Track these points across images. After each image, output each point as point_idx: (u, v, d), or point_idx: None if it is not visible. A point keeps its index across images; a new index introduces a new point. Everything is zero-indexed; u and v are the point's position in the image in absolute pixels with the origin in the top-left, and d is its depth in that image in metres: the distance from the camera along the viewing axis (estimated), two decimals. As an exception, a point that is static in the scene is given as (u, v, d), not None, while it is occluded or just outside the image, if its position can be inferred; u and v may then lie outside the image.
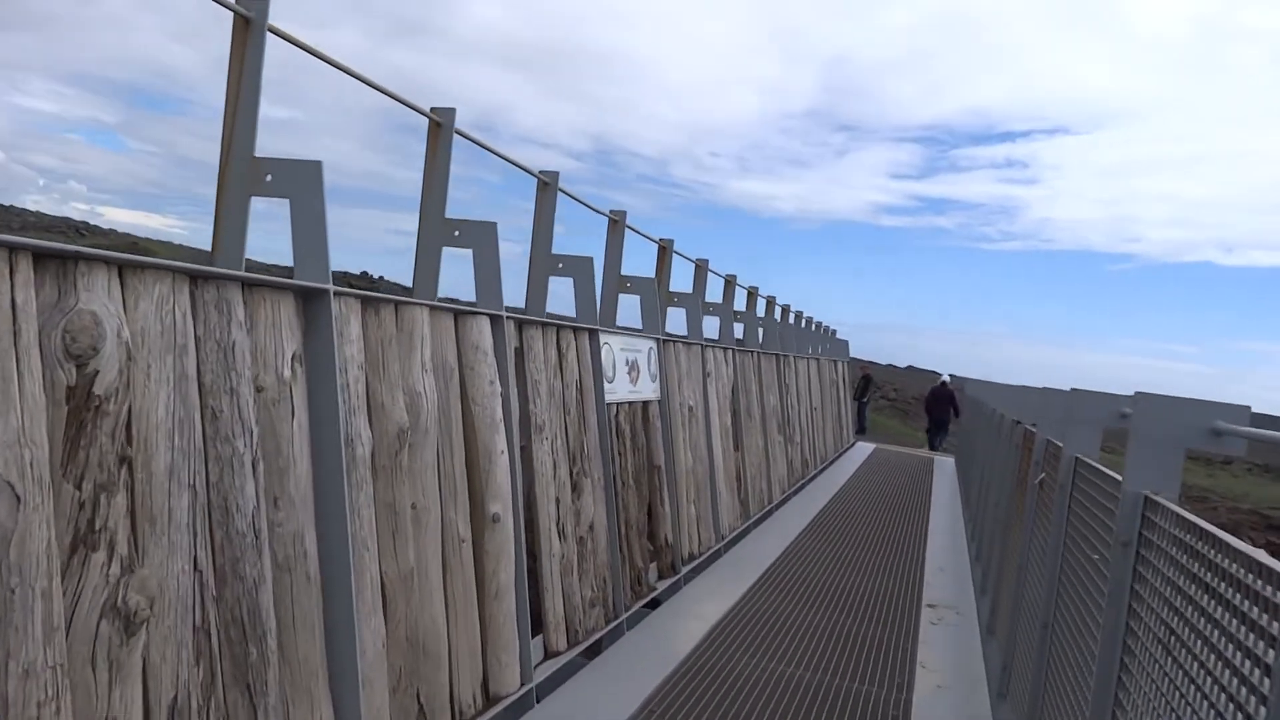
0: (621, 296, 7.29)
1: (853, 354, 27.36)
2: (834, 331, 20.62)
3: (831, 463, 17.13)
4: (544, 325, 5.42)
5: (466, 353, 4.44)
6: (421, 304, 4.08)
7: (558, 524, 5.35)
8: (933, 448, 23.87)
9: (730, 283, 11.33)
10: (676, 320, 8.76)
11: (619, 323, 7.19)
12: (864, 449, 21.18)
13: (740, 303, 11.96)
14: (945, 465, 19.86)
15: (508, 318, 4.80)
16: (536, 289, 5.87)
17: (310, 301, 3.36)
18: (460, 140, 4.68)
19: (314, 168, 3.47)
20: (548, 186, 5.78)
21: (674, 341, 7.94)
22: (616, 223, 7.12)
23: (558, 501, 5.37)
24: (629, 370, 6.65)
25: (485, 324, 4.58)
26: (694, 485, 8.14)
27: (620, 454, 6.42)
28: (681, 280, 9.82)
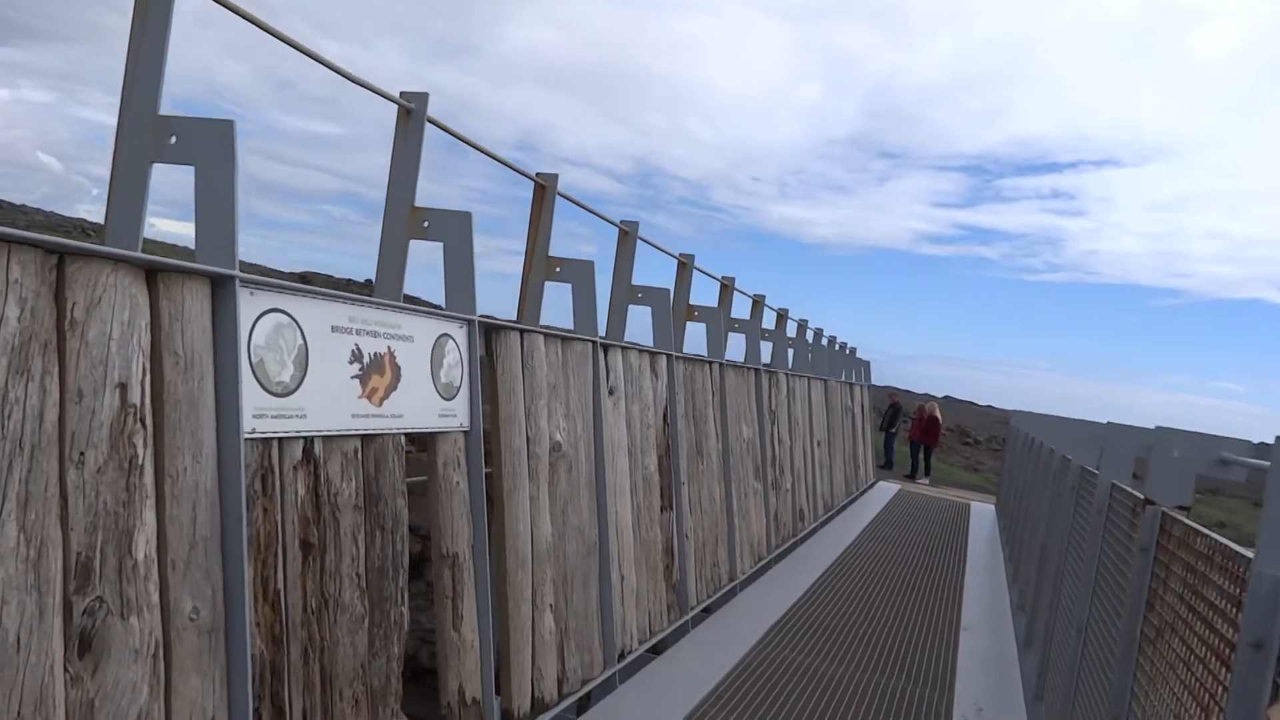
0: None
1: (889, 382, 24.04)
2: (853, 350, 17.14)
3: (841, 510, 13.64)
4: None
5: None
6: None
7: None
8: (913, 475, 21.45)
9: (686, 265, 7.98)
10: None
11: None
12: (886, 490, 17.64)
13: (703, 296, 8.62)
14: (983, 514, 16.25)
15: None
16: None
17: None
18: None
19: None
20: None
21: (521, 331, 4.60)
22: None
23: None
24: (362, 371, 3.33)
25: None
26: (560, 580, 4.78)
27: (311, 543, 3.09)
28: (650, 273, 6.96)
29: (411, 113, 4.06)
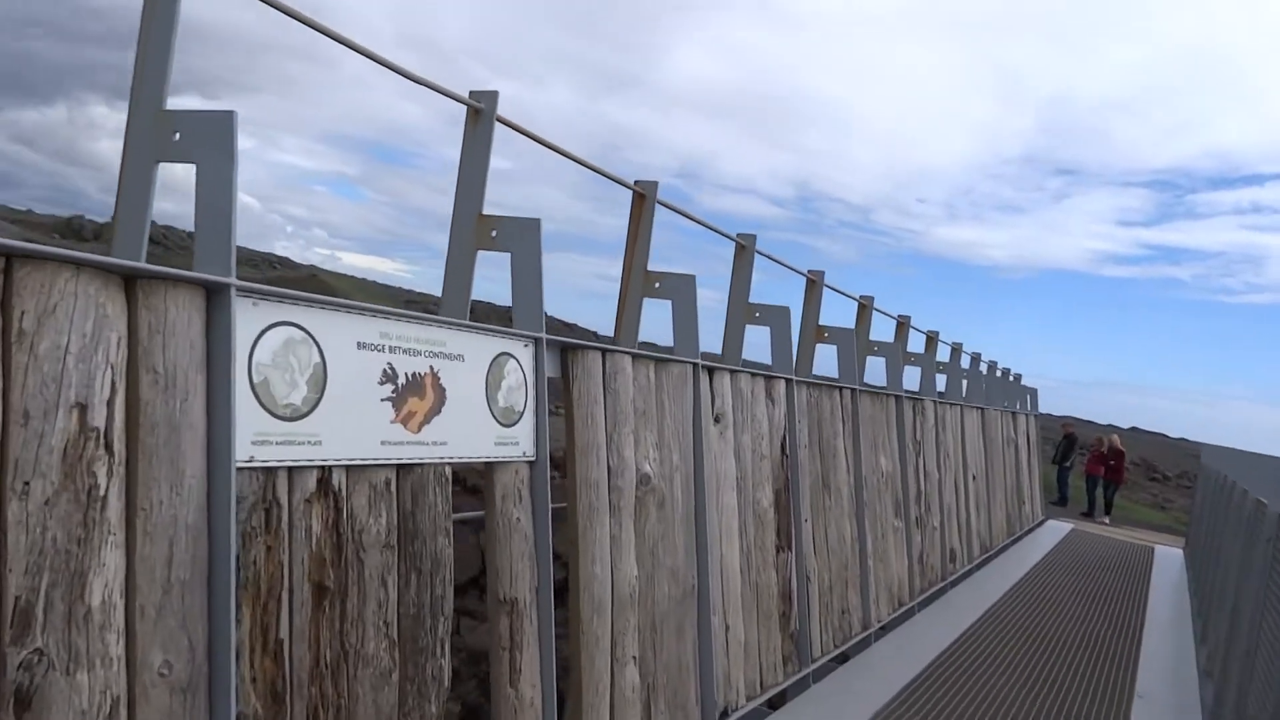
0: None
1: (1068, 412, 22.32)
2: (1017, 376, 15.82)
3: (1001, 550, 12.47)
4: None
5: None
6: None
7: None
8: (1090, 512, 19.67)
9: (815, 282, 7.37)
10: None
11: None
12: (1057, 529, 16.13)
13: (837, 316, 7.94)
14: (1170, 559, 14.53)
15: None
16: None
17: None
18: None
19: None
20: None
21: (603, 350, 4.16)
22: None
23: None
24: (395, 393, 2.97)
25: None
26: (647, 628, 4.29)
27: (327, 587, 2.73)
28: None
29: (480, 113, 3.74)
